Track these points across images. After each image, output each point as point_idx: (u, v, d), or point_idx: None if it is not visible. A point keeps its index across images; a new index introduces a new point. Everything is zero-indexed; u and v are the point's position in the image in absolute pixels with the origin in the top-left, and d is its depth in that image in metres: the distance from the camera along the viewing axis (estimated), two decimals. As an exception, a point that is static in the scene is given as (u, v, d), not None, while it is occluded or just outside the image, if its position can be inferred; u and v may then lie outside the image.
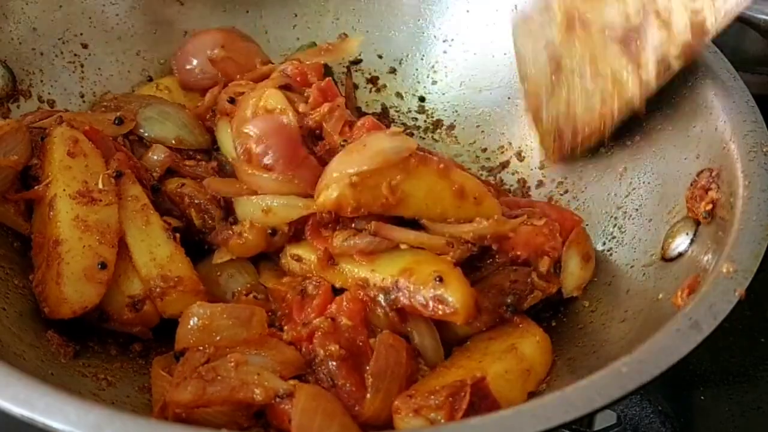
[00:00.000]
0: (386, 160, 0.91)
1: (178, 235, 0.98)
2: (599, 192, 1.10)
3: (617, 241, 1.03)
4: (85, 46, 1.20)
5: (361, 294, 0.90)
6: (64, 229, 0.92)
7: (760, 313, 1.14)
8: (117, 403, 0.86)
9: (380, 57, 1.32)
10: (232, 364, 0.83)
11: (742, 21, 1.19)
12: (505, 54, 1.25)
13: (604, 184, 1.09)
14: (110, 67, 1.22)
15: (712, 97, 0.97)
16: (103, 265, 0.91)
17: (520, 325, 0.93)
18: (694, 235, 0.90)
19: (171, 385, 0.83)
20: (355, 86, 1.30)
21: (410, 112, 1.30)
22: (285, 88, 1.06)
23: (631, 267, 0.97)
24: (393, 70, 1.32)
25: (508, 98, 1.24)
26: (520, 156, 1.21)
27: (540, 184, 1.18)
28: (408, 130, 1.28)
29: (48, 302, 0.90)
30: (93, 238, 0.92)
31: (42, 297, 0.91)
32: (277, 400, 0.81)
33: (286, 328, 0.91)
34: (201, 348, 0.87)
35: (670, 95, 1.03)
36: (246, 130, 1.00)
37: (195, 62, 1.20)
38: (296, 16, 1.32)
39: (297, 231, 0.98)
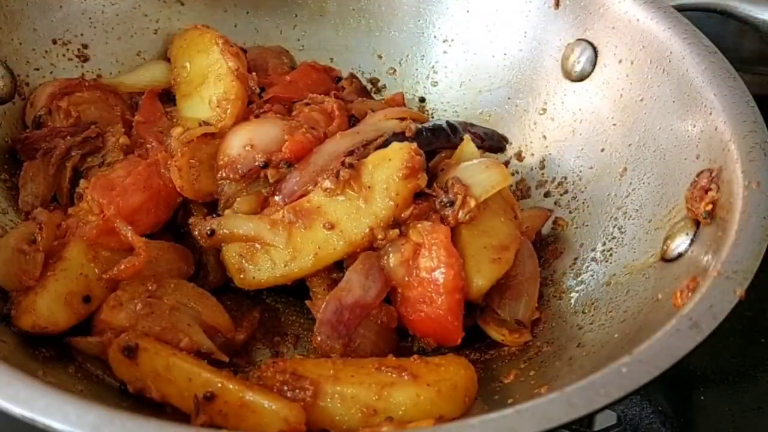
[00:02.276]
0: None
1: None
2: (599, 192, 1.10)
3: (617, 241, 1.03)
4: (85, 47, 1.20)
5: None
6: (72, 251, 0.92)
7: (760, 313, 1.14)
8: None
9: (380, 57, 1.32)
10: (168, 307, 0.90)
11: (742, 21, 1.19)
12: (504, 54, 1.25)
13: (604, 184, 1.09)
14: (110, 67, 1.22)
15: (712, 97, 0.97)
16: (88, 299, 0.91)
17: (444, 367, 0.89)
18: (694, 235, 0.90)
19: (107, 304, 0.89)
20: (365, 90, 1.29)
21: (410, 112, 1.30)
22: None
23: (631, 267, 0.97)
24: (393, 71, 1.32)
25: (508, 99, 1.25)
26: (519, 156, 1.22)
27: (540, 184, 1.18)
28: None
29: (18, 306, 0.88)
30: (94, 270, 0.92)
31: (15, 299, 0.89)
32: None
33: None
34: (145, 283, 0.92)
35: (670, 96, 1.03)
36: None
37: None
38: (296, 16, 1.32)
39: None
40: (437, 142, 1.07)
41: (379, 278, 0.94)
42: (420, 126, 1.06)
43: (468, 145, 1.06)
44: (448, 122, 1.09)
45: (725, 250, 0.81)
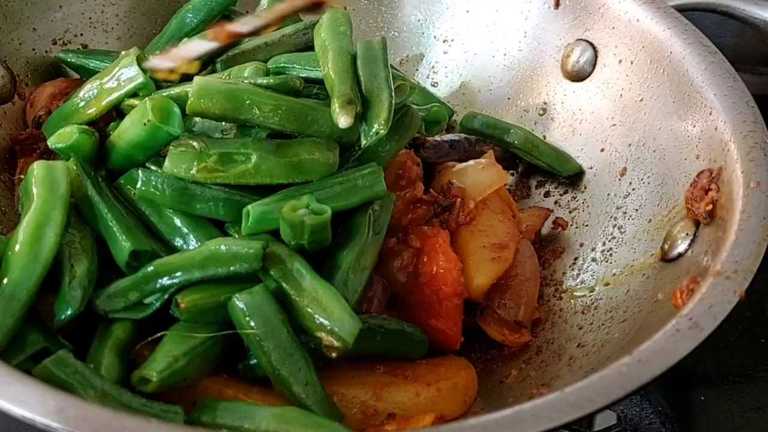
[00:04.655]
0: None
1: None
2: (599, 192, 1.10)
3: (617, 241, 1.03)
4: (85, 47, 1.20)
5: None
6: None
7: (760, 313, 1.14)
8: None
9: (380, 57, 1.32)
10: None
11: (742, 21, 1.19)
12: (504, 54, 1.25)
13: (604, 184, 1.09)
14: (110, 68, 1.22)
15: (712, 97, 0.97)
16: None
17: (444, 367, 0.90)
18: (694, 235, 0.90)
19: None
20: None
21: (410, 112, 1.30)
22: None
23: (631, 267, 0.97)
24: (393, 71, 1.32)
25: (508, 99, 1.24)
26: (520, 156, 1.22)
27: (540, 184, 1.18)
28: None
29: None
30: None
31: None
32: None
33: None
34: None
35: (670, 96, 1.03)
36: None
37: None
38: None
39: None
40: (452, 154, 1.08)
41: (378, 284, 0.94)
42: (440, 139, 1.07)
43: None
44: (466, 137, 1.11)
45: (725, 250, 0.81)
